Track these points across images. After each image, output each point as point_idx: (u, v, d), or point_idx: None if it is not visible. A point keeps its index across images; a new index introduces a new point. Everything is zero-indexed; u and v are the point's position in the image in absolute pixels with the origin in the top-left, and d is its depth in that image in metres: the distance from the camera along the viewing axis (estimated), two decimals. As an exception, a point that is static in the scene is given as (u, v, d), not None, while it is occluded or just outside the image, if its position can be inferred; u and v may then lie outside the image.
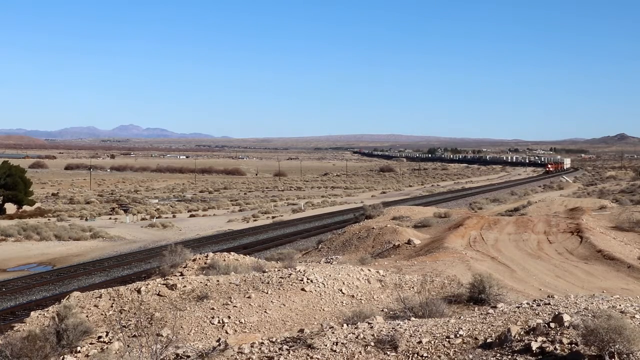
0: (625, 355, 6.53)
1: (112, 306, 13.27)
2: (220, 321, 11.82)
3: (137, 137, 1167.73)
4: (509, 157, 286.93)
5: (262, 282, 13.74)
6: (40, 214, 59.09)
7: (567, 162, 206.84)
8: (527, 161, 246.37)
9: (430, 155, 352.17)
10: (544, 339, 7.30)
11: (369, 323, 9.18)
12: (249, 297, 12.85)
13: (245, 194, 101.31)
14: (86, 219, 56.29)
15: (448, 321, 8.89)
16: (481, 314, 9.41)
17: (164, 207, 70.39)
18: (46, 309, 14.06)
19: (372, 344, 8.14)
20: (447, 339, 7.97)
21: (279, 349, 8.42)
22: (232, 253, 21.05)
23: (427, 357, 7.65)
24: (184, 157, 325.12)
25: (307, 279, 13.72)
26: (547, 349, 7.07)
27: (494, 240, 24.62)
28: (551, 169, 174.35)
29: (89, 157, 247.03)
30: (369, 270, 15.35)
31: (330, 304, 12.89)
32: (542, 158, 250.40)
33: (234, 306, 12.44)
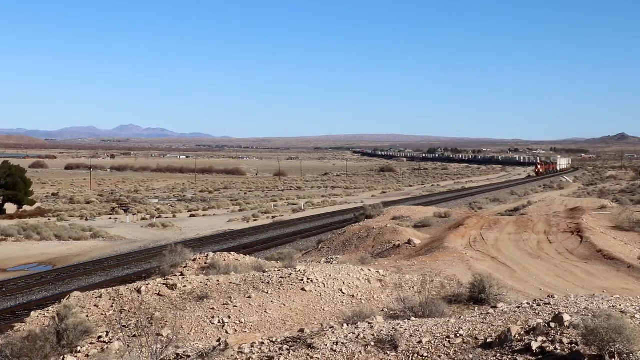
0: (625, 355, 6.53)
1: (112, 306, 13.27)
2: (221, 321, 11.82)
3: (137, 137, 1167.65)
4: (520, 158, 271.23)
5: (262, 282, 13.74)
6: (40, 214, 59.08)
7: (563, 162, 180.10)
8: (539, 161, 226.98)
9: (438, 155, 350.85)
10: (544, 338, 7.30)
11: (369, 323, 9.17)
12: (249, 297, 12.85)
13: (245, 193, 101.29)
14: (86, 219, 56.27)
15: (448, 321, 8.89)
16: (481, 313, 9.41)
17: (164, 207, 70.39)
18: (46, 309, 14.04)
19: (372, 343, 8.13)
20: (447, 339, 7.97)
21: (279, 348, 8.42)
22: (232, 253, 21.01)
23: (427, 357, 7.65)
24: (184, 157, 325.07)
25: (307, 278, 13.71)
26: (548, 348, 7.07)
27: (494, 240, 24.61)
28: (541, 170, 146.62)
29: (89, 157, 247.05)
30: (369, 270, 15.34)
31: (330, 303, 12.88)
32: (552, 158, 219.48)
33: (234, 306, 12.44)
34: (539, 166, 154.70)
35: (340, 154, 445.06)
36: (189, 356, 8.82)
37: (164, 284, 13.97)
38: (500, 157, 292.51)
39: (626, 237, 25.11)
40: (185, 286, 13.76)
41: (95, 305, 13.38)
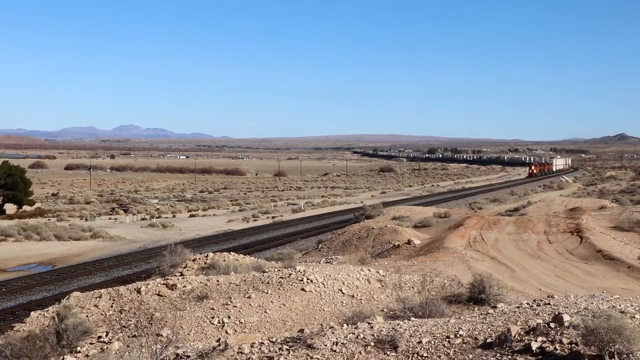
0: (625, 355, 6.53)
1: (112, 306, 13.27)
2: (220, 321, 11.82)
3: (137, 137, 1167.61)
4: (523, 158, 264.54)
5: (262, 282, 13.74)
6: (40, 214, 59.07)
7: (559, 163, 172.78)
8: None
9: (439, 155, 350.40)
10: (544, 339, 7.30)
11: (369, 323, 9.17)
12: (249, 297, 12.85)
13: (245, 194, 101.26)
14: (86, 219, 56.27)
15: (448, 321, 8.89)
16: (481, 314, 9.41)
17: (164, 207, 70.36)
18: (46, 309, 14.04)
19: (372, 344, 8.13)
20: (447, 339, 7.97)
21: (279, 349, 8.42)
22: (232, 253, 21.03)
23: (427, 357, 7.65)
24: (184, 157, 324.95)
25: (307, 279, 13.71)
26: (547, 349, 7.07)
27: (494, 240, 24.61)
28: (535, 172, 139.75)
29: (89, 157, 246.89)
30: (369, 270, 15.35)
31: (330, 304, 12.88)
32: (552, 159, 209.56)
33: (234, 306, 12.43)
34: (532, 167, 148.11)
35: (340, 154, 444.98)
36: (188, 356, 8.82)
37: (163, 284, 13.97)
38: (505, 158, 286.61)
39: (626, 237, 25.11)
40: (185, 286, 13.76)
41: (95, 306, 13.38)
